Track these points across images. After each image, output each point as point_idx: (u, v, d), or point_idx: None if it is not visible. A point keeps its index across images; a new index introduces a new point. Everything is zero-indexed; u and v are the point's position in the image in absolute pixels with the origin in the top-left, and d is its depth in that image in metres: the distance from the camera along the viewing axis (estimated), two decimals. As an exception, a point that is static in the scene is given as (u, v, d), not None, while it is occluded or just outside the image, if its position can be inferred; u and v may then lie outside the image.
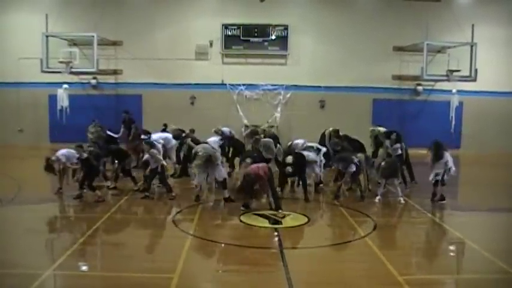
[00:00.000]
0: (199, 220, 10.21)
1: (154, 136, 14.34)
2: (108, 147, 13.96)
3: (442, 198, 12.04)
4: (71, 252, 7.90)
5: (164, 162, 12.43)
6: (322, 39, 21.86)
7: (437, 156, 11.90)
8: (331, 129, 15.66)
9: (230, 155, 15.10)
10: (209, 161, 11.56)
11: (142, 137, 14.49)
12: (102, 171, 12.79)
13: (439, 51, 21.11)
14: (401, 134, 14.26)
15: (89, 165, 11.58)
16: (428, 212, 11.26)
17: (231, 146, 15.00)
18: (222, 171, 11.97)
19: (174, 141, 14.75)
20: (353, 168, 12.06)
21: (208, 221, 10.39)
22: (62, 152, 12.22)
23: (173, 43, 21.56)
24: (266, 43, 21.66)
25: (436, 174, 11.91)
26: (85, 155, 11.57)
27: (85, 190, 11.58)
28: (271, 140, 13.50)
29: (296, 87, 21.69)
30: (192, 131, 14.83)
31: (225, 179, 11.91)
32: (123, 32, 21.39)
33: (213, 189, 12.74)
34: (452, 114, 20.53)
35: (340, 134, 15.01)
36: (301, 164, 12.21)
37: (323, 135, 15.67)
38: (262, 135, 14.19)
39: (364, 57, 21.59)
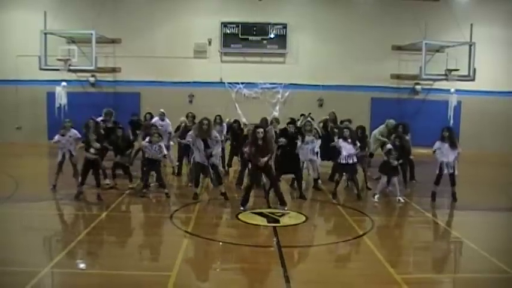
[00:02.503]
0: (197, 218, 10.19)
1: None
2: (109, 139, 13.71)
3: (455, 199, 11.99)
4: (68, 250, 7.88)
5: (165, 152, 12.45)
6: (321, 37, 21.89)
7: (453, 143, 11.79)
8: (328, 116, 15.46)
9: (229, 153, 15.00)
10: (204, 130, 11.46)
11: (156, 119, 14.70)
12: (102, 168, 12.74)
13: (437, 51, 21.15)
14: (408, 127, 13.96)
15: (95, 164, 11.54)
16: (427, 211, 11.25)
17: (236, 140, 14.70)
18: (218, 154, 11.96)
19: (170, 129, 15.10)
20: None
21: (206, 219, 10.38)
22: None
23: (172, 41, 21.59)
24: (265, 41, 21.71)
25: (446, 165, 11.78)
26: (93, 156, 11.49)
27: (84, 187, 11.55)
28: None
29: (295, 85, 21.73)
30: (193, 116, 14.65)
31: (219, 172, 11.92)
32: (121, 30, 21.41)
33: (211, 184, 12.76)
34: (451, 113, 20.55)
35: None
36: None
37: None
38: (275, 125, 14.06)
39: (363, 56, 21.63)
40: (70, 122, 12.52)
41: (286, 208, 10.83)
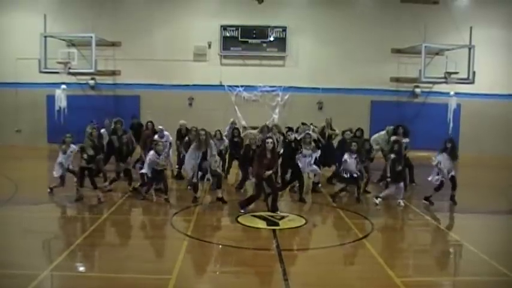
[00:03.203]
0: (197, 221, 10.20)
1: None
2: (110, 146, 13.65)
3: (454, 202, 12.03)
4: (68, 253, 7.89)
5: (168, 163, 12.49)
6: (320, 40, 21.89)
7: (455, 155, 11.88)
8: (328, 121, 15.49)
9: (228, 159, 15.00)
10: (203, 142, 11.48)
11: (156, 137, 14.51)
12: (103, 172, 12.72)
13: (437, 54, 21.13)
14: (408, 129, 13.86)
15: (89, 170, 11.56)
16: (426, 214, 11.26)
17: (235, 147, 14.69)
18: (218, 163, 12.00)
19: (171, 139, 14.91)
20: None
21: (206, 222, 10.39)
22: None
23: (171, 44, 21.58)
24: (264, 44, 21.69)
25: (446, 171, 11.81)
26: (86, 165, 11.50)
27: (83, 188, 11.56)
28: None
29: (294, 88, 21.73)
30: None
31: (220, 177, 11.95)
32: (121, 33, 21.39)
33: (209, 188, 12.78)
34: (450, 116, 20.50)
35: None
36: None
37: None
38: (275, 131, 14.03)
39: (363, 59, 21.61)
40: (71, 137, 12.36)
41: (278, 211, 10.83)
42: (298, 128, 14.53)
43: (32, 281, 6.58)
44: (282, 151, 12.76)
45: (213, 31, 21.51)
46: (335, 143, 14.92)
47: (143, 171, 12.08)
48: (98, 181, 12.08)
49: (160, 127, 14.71)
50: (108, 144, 13.75)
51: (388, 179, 11.95)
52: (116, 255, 8.27)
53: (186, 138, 13.93)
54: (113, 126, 14.47)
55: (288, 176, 12.72)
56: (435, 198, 12.06)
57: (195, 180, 11.69)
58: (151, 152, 11.94)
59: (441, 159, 11.89)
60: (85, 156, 11.43)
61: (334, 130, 15.02)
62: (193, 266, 7.76)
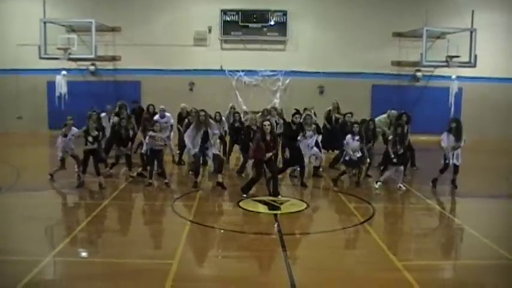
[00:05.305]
0: (198, 206, 10.21)
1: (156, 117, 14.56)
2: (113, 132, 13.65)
3: (455, 186, 11.99)
4: (70, 239, 7.91)
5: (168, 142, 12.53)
6: (321, 24, 21.80)
7: (459, 135, 11.77)
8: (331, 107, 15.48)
9: (229, 143, 15.00)
10: (203, 123, 11.55)
11: (156, 117, 14.53)
12: (104, 159, 12.72)
13: (438, 37, 21.06)
14: (410, 116, 13.74)
15: (94, 153, 11.55)
16: (428, 198, 11.25)
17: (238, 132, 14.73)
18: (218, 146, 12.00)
19: (172, 121, 15.01)
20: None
21: (207, 207, 10.42)
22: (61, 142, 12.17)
23: (172, 29, 21.51)
24: (265, 29, 21.63)
25: (452, 156, 11.74)
26: (91, 146, 11.46)
27: (85, 175, 11.57)
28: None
29: (295, 73, 21.69)
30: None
31: (221, 161, 11.97)
32: (121, 18, 21.33)
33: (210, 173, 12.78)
34: (452, 100, 20.52)
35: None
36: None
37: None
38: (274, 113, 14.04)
39: (364, 43, 21.55)
40: (72, 119, 12.36)
41: (280, 196, 10.85)
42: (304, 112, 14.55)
43: (34, 267, 6.59)
44: (282, 132, 12.72)
45: (213, 15, 21.43)
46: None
47: (143, 151, 12.18)
48: (100, 167, 12.12)
49: (162, 107, 14.75)
50: (112, 129, 13.71)
51: (394, 160, 11.93)
52: (118, 240, 8.30)
53: (186, 120, 13.97)
54: (116, 110, 14.53)
55: (287, 153, 12.50)
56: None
57: (196, 151, 11.64)
58: (151, 132, 11.99)
59: (445, 139, 11.85)
60: (90, 138, 11.39)
61: (341, 114, 14.92)
62: (195, 251, 7.77)
